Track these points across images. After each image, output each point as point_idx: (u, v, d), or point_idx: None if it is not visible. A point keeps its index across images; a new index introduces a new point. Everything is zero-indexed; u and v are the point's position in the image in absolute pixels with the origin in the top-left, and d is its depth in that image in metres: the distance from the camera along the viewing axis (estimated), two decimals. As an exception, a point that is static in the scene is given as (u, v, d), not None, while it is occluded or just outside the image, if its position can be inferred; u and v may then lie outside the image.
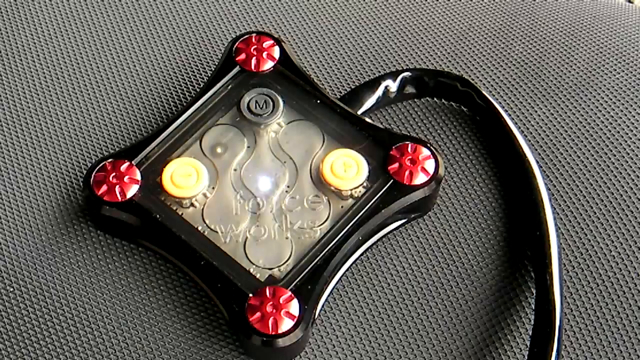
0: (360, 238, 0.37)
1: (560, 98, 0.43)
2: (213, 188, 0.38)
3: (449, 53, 0.45)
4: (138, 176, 0.38)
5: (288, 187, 0.38)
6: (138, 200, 0.37)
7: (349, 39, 0.46)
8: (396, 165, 0.37)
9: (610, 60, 0.45)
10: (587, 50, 0.45)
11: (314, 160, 0.39)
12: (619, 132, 0.42)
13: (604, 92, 0.43)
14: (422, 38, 0.45)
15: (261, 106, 0.40)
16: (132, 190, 0.37)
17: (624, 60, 0.45)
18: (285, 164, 0.39)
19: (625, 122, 0.42)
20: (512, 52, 0.45)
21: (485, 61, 0.45)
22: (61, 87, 0.44)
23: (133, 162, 0.38)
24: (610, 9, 0.48)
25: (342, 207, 0.37)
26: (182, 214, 0.37)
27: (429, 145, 0.38)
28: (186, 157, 0.39)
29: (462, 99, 0.42)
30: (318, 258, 0.36)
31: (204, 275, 0.36)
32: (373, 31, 0.46)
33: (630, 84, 0.44)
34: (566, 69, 0.44)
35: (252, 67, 0.40)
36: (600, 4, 0.48)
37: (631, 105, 0.43)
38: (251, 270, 0.36)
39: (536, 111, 0.43)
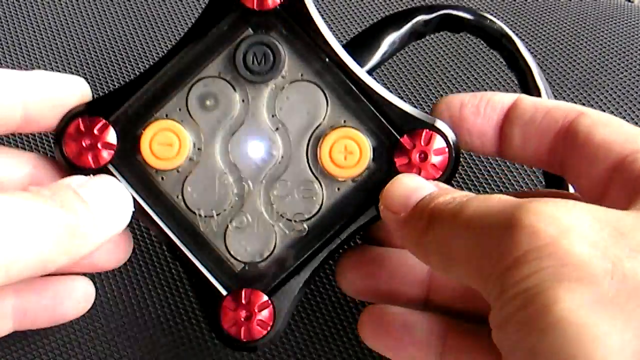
0: (349, 235, 0.33)
1: (564, 97, 0.43)
2: (199, 149, 0.33)
3: (451, 52, 0.45)
4: (113, 139, 0.32)
5: (279, 163, 0.32)
6: (112, 167, 0.32)
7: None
8: (404, 160, 0.32)
9: (613, 60, 0.45)
10: (590, 51, 0.45)
11: (313, 136, 0.32)
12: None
13: (607, 91, 0.43)
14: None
15: (259, 60, 0.32)
16: (106, 156, 0.32)
17: (627, 60, 0.45)
18: (279, 134, 0.33)
19: (628, 121, 0.42)
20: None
21: (488, 61, 0.45)
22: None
23: (109, 119, 0.32)
24: (612, 9, 0.48)
25: (336, 192, 0.32)
26: (161, 183, 0.32)
27: (446, 135, 0.32)
28: (169, 120, 0.33)
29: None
30: (302, 257, 0.32)
31: (182, 263, 0.33)
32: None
33: (633, 83, 0.44)
34: (569, 68, 0.44)
35: (254, 3, 0.32)
36: (602, 4, 0.48)
37: (634, 105, 0.43)
38: (229, 263, 0.33)
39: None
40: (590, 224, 0.23)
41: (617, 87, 0.43)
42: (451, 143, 0.32)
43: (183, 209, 0.33)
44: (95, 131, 0.32)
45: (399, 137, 0.32)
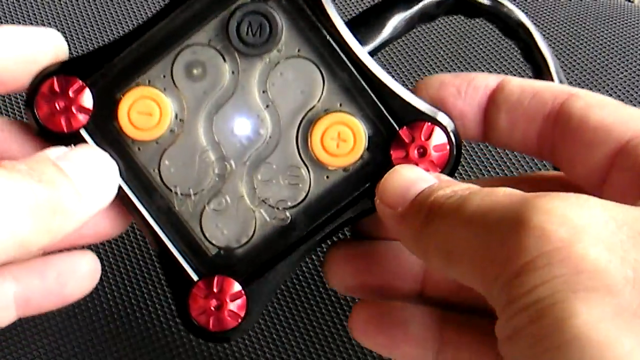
0: (335, 228, 0.31)
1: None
2: (182, 121, 0.30)
3: (452, 52, 0.45)
4: (89, 103, 0.30)
5: (266, 144, 0.30)
6: (86, 132, 0.30)
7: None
8: (401, 153, 0.29)
9: (613, 60, 0.45)
10: (590, 51, 0.45)
11: (305, 119, 0.30)
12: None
13: (607, 91, 0.43)
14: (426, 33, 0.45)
15: (254, 32, 0.30)
16: (81, 120, 0.30)
17: (627, 60, 0.45)
18: (268, 112, 0.30)
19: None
20: (515, 52, 0.45)
21: (488, 60, 0.45)
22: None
23: (87, 80, 0.30)
24: (612, 9, 0.48)
25: (325, 180, 0.30)
26: (137, 154, 0.30)
27: (448, 130, 0.30)
28: (151, 88, 0.30)
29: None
30: (282, 248, 0.30)
31: (153, 243, 0.31)
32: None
33: (633, 83, 0.44)
34: (569, 68, 0.44)
35: None
36: (602, 4, 0.49)
37: (634, 105, 0.43)
38: (203, 247, 0.30)
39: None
40: (605, 223, 0.21)
41: (617, 87, 0.44)
42: (453, 139, 0.30)
43: (158, 184, 0.30)
44: (71, 93, 0.29)
45: (397, 129, 0.30)
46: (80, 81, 0.30)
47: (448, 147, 0.29)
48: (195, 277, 0.30)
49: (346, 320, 0.37)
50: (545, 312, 0.20)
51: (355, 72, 0.29)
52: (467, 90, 0.30)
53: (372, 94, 0.29)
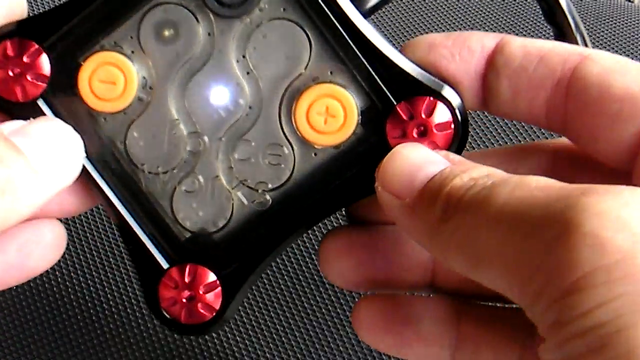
0: (323, 214, 0.27)
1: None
2: (151, 88, 0.27)
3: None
4: (47, 68, 0.27)
5: (245, 116, 0.27)
6: (43, 101, 0.27)
7: None
8: (398, 131, 0.26)
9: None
10: (590, 50, 0.46)
11: (290, 88, 0.26)
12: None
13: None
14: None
15: None
16: (37, 89, 0.27)
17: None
18: (247, 80, 0.27)
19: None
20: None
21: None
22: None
23: (44, 44, 0.26)
24: (612, 9, 0.48)
25: (312, 158, 0.27)
26: (102, 125, 0.27)
27: (453, 106, 0.26)
28: (113, 53, 0.27)
29: None
30: (262, 235, 0.27)
31: (119, 226, 0.28)
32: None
33: (632, 82, 0.44)
34: (569, 68, 0.45)
35: None
36: (602, 4, 0.49)
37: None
38: (174, 231, 0.27)
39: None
40: None
41: (617, 86, 0.44)
42: (458, 117, 0.26)
43: (125, 159, 0.27)
44: (26, 58, 0.26)
45: (395, 103, 0.26)
46: (37, 45, 0.26)
47: (453, 126, 0.26)
48: (165, 265, 0.27)
49: (349, 316, 0.34)
50: (609, 341, 0.17)
51: (347, 37, 0.26)
52: (460, 52, 0.26)
53: (366, 63, 0.26)
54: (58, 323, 0.37)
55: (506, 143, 0.40)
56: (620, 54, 0.44)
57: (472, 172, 0.22)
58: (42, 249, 0.28)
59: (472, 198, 0.21)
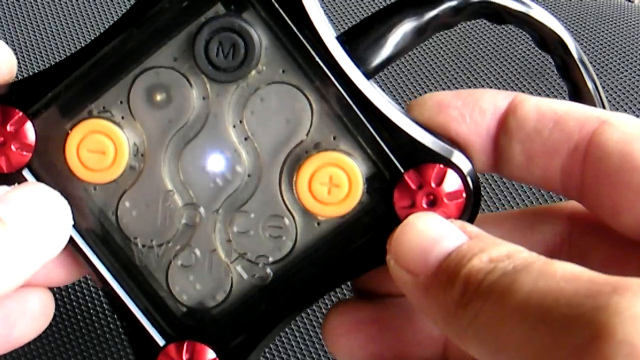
0: (328, 286, 0.26)
1: (564, 97, 0.43)
2: (143, 156, 0.25)
3: (452, 52, 0.45)
4: (32, 138, 0.25)
5: (244, 186, 0.25)
6: (30, 172, 0.26)
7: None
8: (407, 201, 0.24)
9: (613, 60, 0.45)
10: (590, 50, 0.45)
11: (291, 156, 0.25)
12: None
13: (607, 91, 0.43)
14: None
15: (226, 54, 0.24)
16: (22, 159, 0.25)
17: (627, 60, 0.45)
18: (244, 147, 0.25)
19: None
20: (516, 51, 0.45)
21: (488, 60, 0.44)
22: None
23: (28, 111, 0.25)
24: (612, 9, 0.48)
25: (315, 228, 0.25)
26: (92, 195, 0.26)
27: (465, 174, 0.24)
28: (102, 120, 0.25)
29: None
30: (263, 310, 0.26)
31: (111, 301, 0.26)
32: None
33: (633, 83, 0.43)
34: (569, 68, 0.44)
35: None
36: (602, 4, 0.48)
37: (635, 105, 0.43)
38: (170, 306, 0.26)
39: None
40: None
41: (617, 87, 0.43)
42: (470, 184, 0.24)
43: (116, 230, 0.26)
44: (9, 127, 0.25)
45: (402, 171, 0.24)
46: (21, 112, 0.25)
47: (464, 194, 0.24)
48: (161, 342, 0.26)
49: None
50: None
51: (350, 100, 0.24)
52: (471, 113, 0.24)
53: (370, 128, 0.24)
54: (58, 323, 0.37)
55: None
56: (620, 54, 0.43)
57: (491, 252, 0.21)
58: (28, 319, 0.26)
59: (493, 284, 0.20)
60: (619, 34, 0.46)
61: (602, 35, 0.46)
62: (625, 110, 0.42)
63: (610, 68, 0.44)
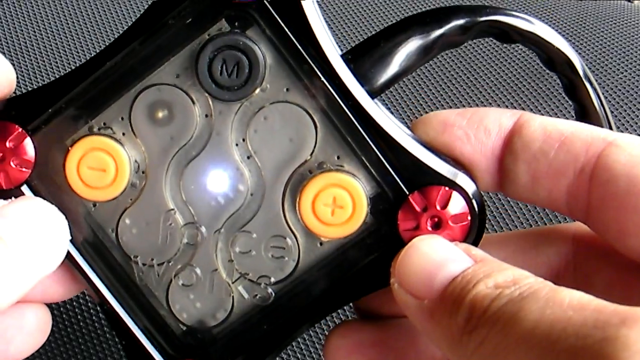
0: (330, 307, 0.26)
1: (564, 97, 0.42)
2: (144, 173, 0.25)
3: (452, 52, 0.44)
4: (31, 154, 0.25)
5: (246, 205, 0.25)
6: (28, 188, 0.25)
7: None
8: (411, 224, 0.24)
9: (613, 60, 0.44)
10: (590, 51, 0.45)
11: (295, 175, 0.24)
12: (622, 131, 0.41)
13: (607, 91, 0.43)
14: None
15: (229, 72, 0.24)
16: (22, 175, 0.25)
17: (627, 60, 0.44)
18: (247, 166, 0.25)
19: (629, 121, 0.42)
20: (516, 51, 0.44)
21: (489, 60, 0.44)
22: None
23: (28, 127, 0.25)
24: (612, 9, 0.48)
25: (318, 248, 0.25)
26: (92, 212, 0.25)
27: (470, 196, 0.24)
28: (103, 138, 0.25)
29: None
30: (265, 330, 0.25)
31: (110, 320, 0.26)
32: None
33: (633, 83, 0.43)
34: (569, 68, 0.44)
35: None
36: (602, 4, 0.48)
37: (634, 105, 0.43)
38: (170, 324, 0.26)
39: (539, 110, 0.42)
40: None
41: (617, 87, 0.43)
42: (475, 207, 0.24)
43: (116, 248, 0.25)
44: (9, 143, 0.24)
45: (407, 193, 0.24)
46: (20, 128, 0.25)
47: (469, 217, 0.24)
48: None
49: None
50: None
51: (354, 120, 0.24)
52: (476, 133, 0.24)
53: (375, 148, 0.24)
54: (59, 323, 0.37)
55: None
56: (620, 54, 0.43)
57: (497, 277, 0.20)
58: (25, 335, 0.26)
59: (499, 311, 0.19)
60: (619, 34, 0.46)
61: (602, 35, 0.46)
62: (625, 110, 0.42)
63: (610, 68, 0.44)
